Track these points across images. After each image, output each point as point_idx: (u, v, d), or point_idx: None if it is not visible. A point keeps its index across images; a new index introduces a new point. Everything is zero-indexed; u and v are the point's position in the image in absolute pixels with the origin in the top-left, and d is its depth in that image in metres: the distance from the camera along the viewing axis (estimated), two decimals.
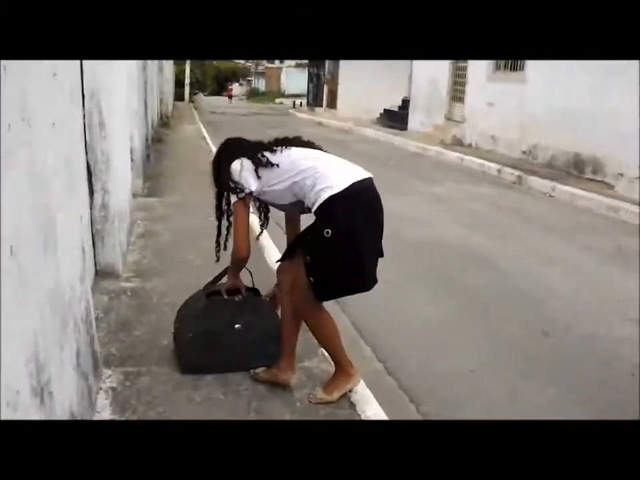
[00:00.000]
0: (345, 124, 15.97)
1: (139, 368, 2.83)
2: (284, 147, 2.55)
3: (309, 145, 2.66)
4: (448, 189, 8.42)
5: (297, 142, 2.65)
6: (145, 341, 3.10)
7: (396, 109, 15.65)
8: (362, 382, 2.78)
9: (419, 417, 2.85)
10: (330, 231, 2.34)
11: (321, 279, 2.42)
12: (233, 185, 2.52)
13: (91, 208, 3.72)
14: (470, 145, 12.19)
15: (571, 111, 9.00)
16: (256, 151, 2.54)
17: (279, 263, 2.78)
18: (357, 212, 2.38)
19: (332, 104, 19.19)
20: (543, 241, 5.88)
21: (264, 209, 2.83)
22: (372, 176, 2.51)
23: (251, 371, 2.79)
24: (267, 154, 2.52)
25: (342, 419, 2.54)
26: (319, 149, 2.66)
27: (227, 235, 2.71)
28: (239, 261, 2.64)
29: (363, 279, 2.47)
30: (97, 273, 3.90)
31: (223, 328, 2.75)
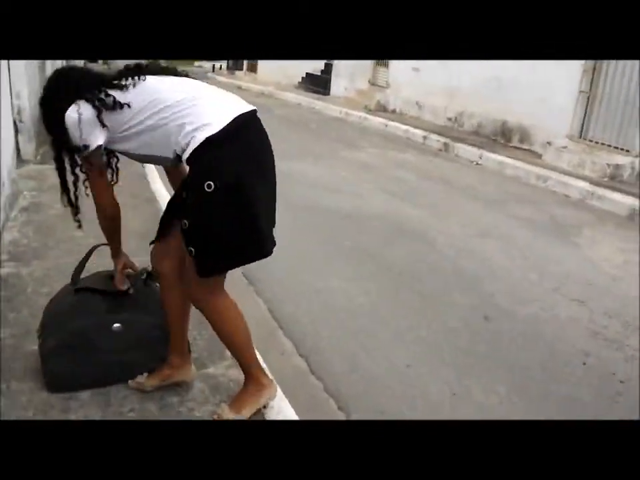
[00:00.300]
0: (266, 88, 15.23)
1: None
2: (136, 77, 1.89)
3: (173, 73, 2.00)
4: (372, 155, 7.96)
5: (156, 69, 1.97)
6: (8, 346, 2.44)
7: (318, 73, 15.04)
8: (279, 392, 2.25)
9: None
10: (212, 184, 1.75)
11: (205, 247, 1.82)
12: (72, 143, 1.88)
13: None
14: (394, 111, 11.78)
15: (499, 79, 8.71)
16: (96, 89, 1.87)
17: (152, 245, 2.13)
18: (244, 155, 1.82)
19: (252, 67, 18.31)
20: (475, 212, 5.52)
21: (113, 158, 2.13)
22: (256, 108, 1.93)
23: (130, 381, 2.22)
24: (112, 92, 1.86)
25: None
26: (186, 76, 2.02)
27: (75, 191, 2.04)
28: (110, 221, 2.03)
29: (260, 242, 1.90)
30: None
31: (97, 329, 2.15)
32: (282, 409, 2.20)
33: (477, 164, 7.98)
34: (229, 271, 1.97)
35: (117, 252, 2.15)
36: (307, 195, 5.18)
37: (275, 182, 1.97)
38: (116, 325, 2.14)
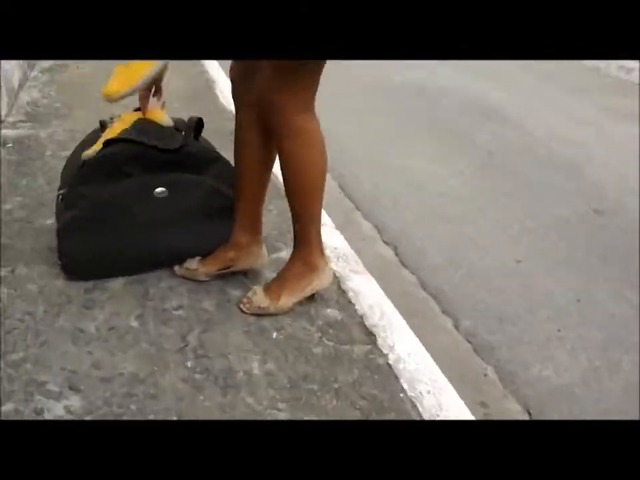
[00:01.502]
0: None
1: None
2: None
3: None
4: None
5: None
6: (15, 219, 1.88)
7: None
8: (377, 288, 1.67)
9: (458, 337, 1.82)
10: None
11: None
12: None
13: None
14: None
15: None
16: None
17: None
18: None
19: None
20: (559, 98, 4.67)
21: None
22: None
23: (177, 267, 1.66)
24: None
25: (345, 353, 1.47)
26: None
27: None
28: None
29: None
30: None
31: (132, 193, 1.55)
32: (385, 312, 1.63)
33: None
34: None
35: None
36: (376, 69, 4.43)
37: None
38: (159, 189, 1.55)
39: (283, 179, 1.50)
